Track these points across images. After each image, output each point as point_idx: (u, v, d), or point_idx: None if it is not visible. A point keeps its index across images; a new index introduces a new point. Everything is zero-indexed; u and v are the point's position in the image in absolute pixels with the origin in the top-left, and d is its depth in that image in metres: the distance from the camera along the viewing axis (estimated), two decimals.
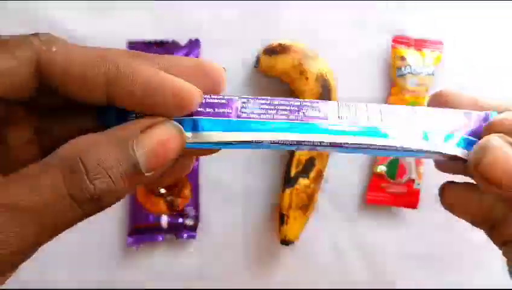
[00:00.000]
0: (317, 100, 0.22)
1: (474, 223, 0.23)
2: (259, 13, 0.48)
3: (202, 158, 0.48)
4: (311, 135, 0.20)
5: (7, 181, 0.16)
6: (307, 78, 0.45)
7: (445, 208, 0.22)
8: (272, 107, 0.21)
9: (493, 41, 0.49)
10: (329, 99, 0.45)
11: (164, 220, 0.47)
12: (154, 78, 0.17)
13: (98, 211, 0.17)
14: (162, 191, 0.47)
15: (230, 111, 0.21)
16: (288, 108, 0.21)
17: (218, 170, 0.48)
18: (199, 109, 0.20)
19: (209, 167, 0.48)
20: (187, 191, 0.47)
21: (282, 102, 0.21)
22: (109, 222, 0.47)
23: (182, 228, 0.47)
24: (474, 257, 0.48)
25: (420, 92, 0.47)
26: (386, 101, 0.48)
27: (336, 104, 0.22)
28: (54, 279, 0.47)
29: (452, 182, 0.22)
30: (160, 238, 0.47)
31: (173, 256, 0.48)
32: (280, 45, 0.46)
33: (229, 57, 0.48)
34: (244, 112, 0.21)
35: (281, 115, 0.21)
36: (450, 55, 0.49)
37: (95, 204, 0.16)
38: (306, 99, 0.22)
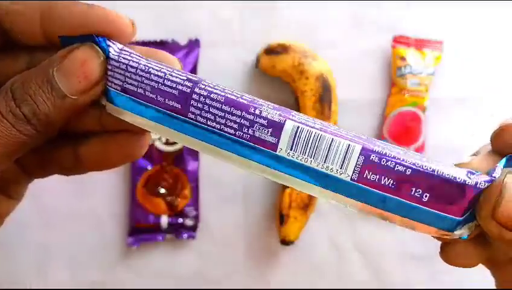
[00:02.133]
0: (271, 124, 0.18)
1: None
2: (259, 13, 0.48)
3: (202, 158, 0.48)
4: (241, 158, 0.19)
5: None
6: (307, 78, 0.45)
7: (445, 261, 0.21)
8: (222, 113, 0.19)
9: (493, 41, 0.49)
10: (330, 100, 0.45)
11: (164, 220, 0.47)
12: (87, 9, 0.19)
13: (37, 134, 0.19)
14: (162, 191, 0.47)
15: (179, 106, 0.19)
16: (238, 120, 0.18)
17: (218, 170, 0.48)
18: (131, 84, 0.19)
19: (209, 167, 0.48)
20: (187, 191, 0.47)
21: (233, 109, 0.19)
22: (109, 222, 0.47)
23: (182, 228, 0.47)
24: None
25: (420, 92, 0.47)
26: (386, 101, 0.48)
27: (294, 131, 0.18)
28: (54, 279, 0.47)
29: (449, 242, 0.20)
30: (160, 238, 0.47)
31: (173, 256, 0.48)
32: (280, 45, 0.46)
33: (229, 57, 0.48)
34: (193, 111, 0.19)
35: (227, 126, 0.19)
36: (450, 55, 0.49)
37: (26, 124, 0.19)
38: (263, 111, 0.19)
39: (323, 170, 0.18)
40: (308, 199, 0.45)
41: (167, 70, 0.19)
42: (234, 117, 0.19)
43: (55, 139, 0.21)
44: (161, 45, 0.47)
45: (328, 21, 0.49)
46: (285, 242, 0.46)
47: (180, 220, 0.47)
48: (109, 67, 0.20)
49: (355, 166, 0.18)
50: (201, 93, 0.19)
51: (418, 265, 0.49)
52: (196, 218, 0.47)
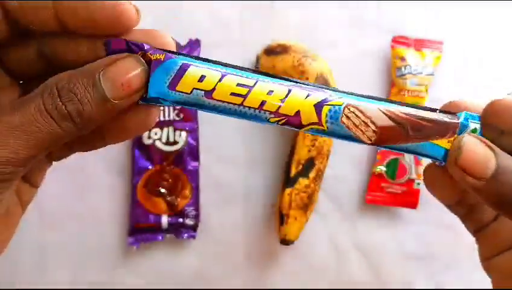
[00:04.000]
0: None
1: (451, 207, 0.25)
2: (259, 13, 0.48)
3: (202, 158, 0.48)
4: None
5: (2, 106, 0.20)
6: (307, 78, 0.45)
7: (427, 189, 0.24)
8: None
9: (493, 41, 0.49)
10: None
11: (164, 220, 0.47)
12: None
13: (76, 131, 0.20)
14: (162, 191, 0.47)
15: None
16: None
17: (218, 170, 0.48)
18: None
19: (209, 167, 0.48)
20: (187, 191, 0.47)
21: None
22: (109, 222, 0.47)
23: (182, 228, 0.47)
24: (473, 257, 0.48)
25: (420, 92, 0.47)
26: None
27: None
28: (54, 279, 0.47)
29: (434, 164, 0.24)
30: (160, 238, 0.47)
31: (173, 256, 0.48)
32: (280, 45, 0.46)
33: (229, 57, 0.48)
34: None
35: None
36: (450, 55, 0.49)
37: (69, 122, 0.20)
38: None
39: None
40: (308, 199, 0.45)
41: None
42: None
43: None
44: None
45: (328, 21, 0.49)
46: (285, 242, 0.46)
47: (180, 220, 0.47)
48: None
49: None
50: None
51: (418, 265, 0.49)
52: (196, 218, 0.47)
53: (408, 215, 0.49)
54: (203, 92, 0.21)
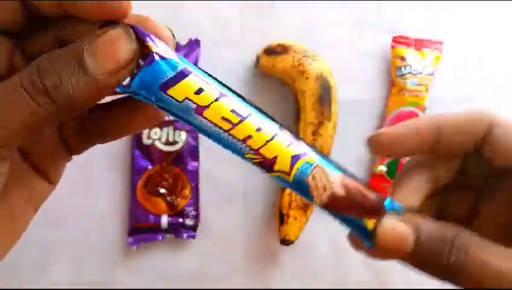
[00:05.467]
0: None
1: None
2: (259, 13, 0.48)
3: (202, 158, 0.48)
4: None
5: None
6: (307, 78, 0.45)
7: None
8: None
9: (493, 41, 0.49)
10: (329, 100, 0.45)
11: (164, 220, 0.47)
12: None
13: (57, 110, 0.18)
14: (162, 191, 0.47)
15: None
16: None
17: (218, 170, 0.48)
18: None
19: (209, 167, 0.48)
20: (187, 191, 0.47)
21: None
22: (109, 221, 0.47)
23: (182, 228, 0.47)
24: None
25: (420, 92, 0.47)
26: (386, 101, 0.49)
27: None
28: (54, 279, 0.47)
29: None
30: (160, 238, 0.47)
31: (173, 256, 0.48)
32: (280, 45, 0.46)
33: (229, 57, 0.48)
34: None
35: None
36: (450, 55, 0.49)
37: (45, 97, 0.18)
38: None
39: None
40: None
41: None
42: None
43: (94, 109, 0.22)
44: None
45: (328, 21, 0.49)
46: (285, 242, 0.46)
47: (180, 220, 0.47)
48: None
49: None
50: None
51: None
52: (196, 218, 0.47)
53: None
54: (195, 105, 0.19)
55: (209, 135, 0.20)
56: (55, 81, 0.18)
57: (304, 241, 0.47)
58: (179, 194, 0.47)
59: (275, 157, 0.20)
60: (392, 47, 0.48)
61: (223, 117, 0.19)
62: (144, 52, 0.19)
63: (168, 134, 0.47)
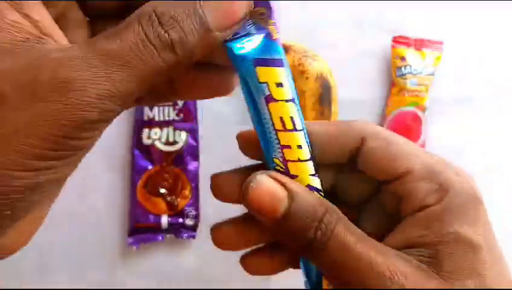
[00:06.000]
0: None
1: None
2: None
3: (202, 159, 0.48)
4: None
5: (95, 38, 0.17)
6: (307, 78, 0.45)
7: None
8: None
9: (493, 41, 0.49)
10: (329, 100, 0.45)
11: (164, 220, 0.47)
12: None
13: (176, 63, 0.18)
14: (162, 191, 0.47)
15: None
16: None
17: (218, 170, 0.48)
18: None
19: (209, 167, 0.48)
20: (187, 191, 0.47)
21: None
22: (109, 221, 0.47)
23: (182, 228, 0.47)
24: None
25: (420, 92, 0.47)
26: (386, 101, 0.48)
27: None
28: (54, 279, 0.47)
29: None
30: (160, 238, 0.47)
31: (173, 256, 0.48)
32: None
33: None
34: None
35: None
36: (450, 55, 0.49)
37: (170, 52, 0.17)
38: None
39: None
40: None
41: None
42: None
43: None
44: None
45: (328, 21, 0.49)
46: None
47: (180, 220, 0.47)
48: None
49: None
50: None
51: None
52: (196, 218, 0.47)
53: None
54: (268, 93, 0.20)
55: (258, 122, 0.20)
56: (181, 36, 0.17)
57: None
58: (179, 194, 0.47)
59: (295, 176, 0.21)
60: (392, 47, 0.48)
61: (281, 117, 0.20)
62: (257, 17, 0.20)
63: (168, 134, 0.47)
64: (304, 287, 0.24)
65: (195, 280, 0.48)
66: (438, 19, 0.49)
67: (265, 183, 0.20)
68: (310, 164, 0.21)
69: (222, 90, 0.22)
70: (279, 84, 0.20)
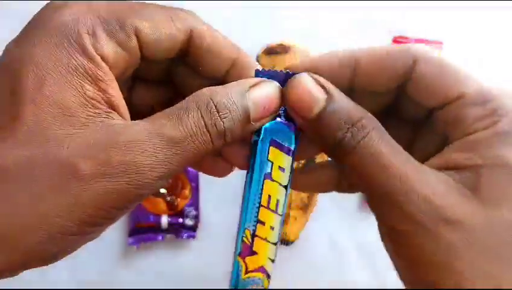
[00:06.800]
0: None
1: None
2: (259, 13, 0.48)
3: None
4: None
5: (158, 119, 0.19)
6: None
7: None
8: None
9: (493, 41, 0.49)
10: None
11: (164, 220, 0.47)
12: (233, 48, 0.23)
13: (218, 150, 0.21)
14: (162, 191, 0.47)
15: None
16: None
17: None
18: None
19: None
20: (187, 191, 0.47)
21: None
22: None
23: (182, 228, 0.47)
24: None
25: None
26: None
27: None
28: (54, 279, 0.47)
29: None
30: (160, 238, 0.47)
31: (173, 256, 0.48)
32: (280, 45, 0.46)
33: None
34: None
35: None
36: (450, 55, 0.49)
37: (220, 139, 0.19)
38: None
39: None
40: (308, 199, 0.45)
41: None
42: None
43: None
44: None
45: (328, 21, 0.49)
46: (285, 242, 0.46)
47: (180, 220, 0.47)
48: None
49: None
50: None
51: None
52: (196, 218, 0.47)
53: None
54: (270, 172, 0.22)
55: (248, 189, 0.23)
56: (231, 125, 0.19)
57: (303, 241, 0.48)
58: (179, 194, 0.47)
59: (255, 253, 0.22)
60: None
61: (269, 195, 0.22)
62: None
63: None
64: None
65: (195, 280, 0.48)
66: (438, 19, 0.49)
67: (305, 82, 0.20)
68: (274, 248, 0.22)
69: (220, 173, 0.25)
70: (282, 169, 0.22)
